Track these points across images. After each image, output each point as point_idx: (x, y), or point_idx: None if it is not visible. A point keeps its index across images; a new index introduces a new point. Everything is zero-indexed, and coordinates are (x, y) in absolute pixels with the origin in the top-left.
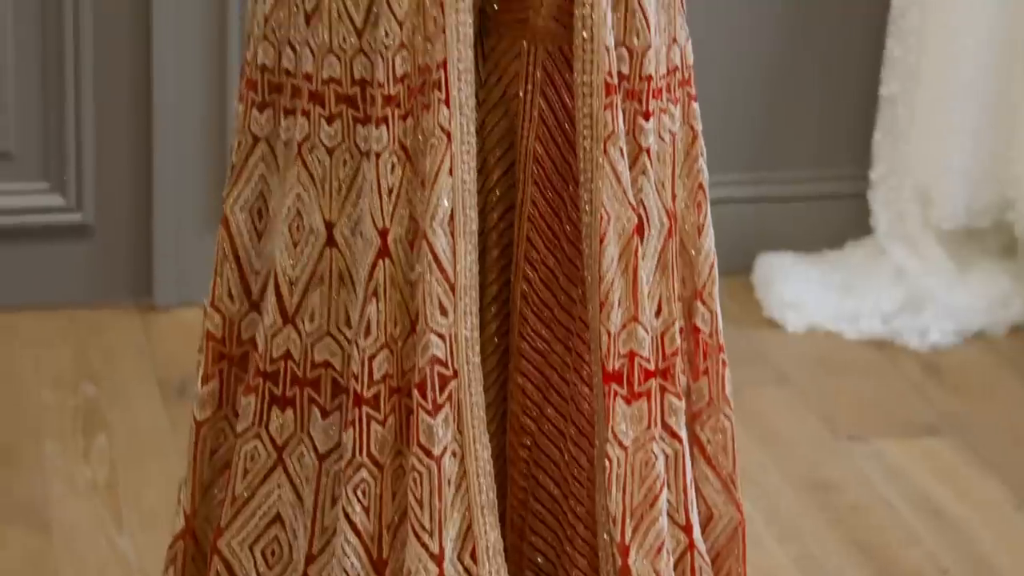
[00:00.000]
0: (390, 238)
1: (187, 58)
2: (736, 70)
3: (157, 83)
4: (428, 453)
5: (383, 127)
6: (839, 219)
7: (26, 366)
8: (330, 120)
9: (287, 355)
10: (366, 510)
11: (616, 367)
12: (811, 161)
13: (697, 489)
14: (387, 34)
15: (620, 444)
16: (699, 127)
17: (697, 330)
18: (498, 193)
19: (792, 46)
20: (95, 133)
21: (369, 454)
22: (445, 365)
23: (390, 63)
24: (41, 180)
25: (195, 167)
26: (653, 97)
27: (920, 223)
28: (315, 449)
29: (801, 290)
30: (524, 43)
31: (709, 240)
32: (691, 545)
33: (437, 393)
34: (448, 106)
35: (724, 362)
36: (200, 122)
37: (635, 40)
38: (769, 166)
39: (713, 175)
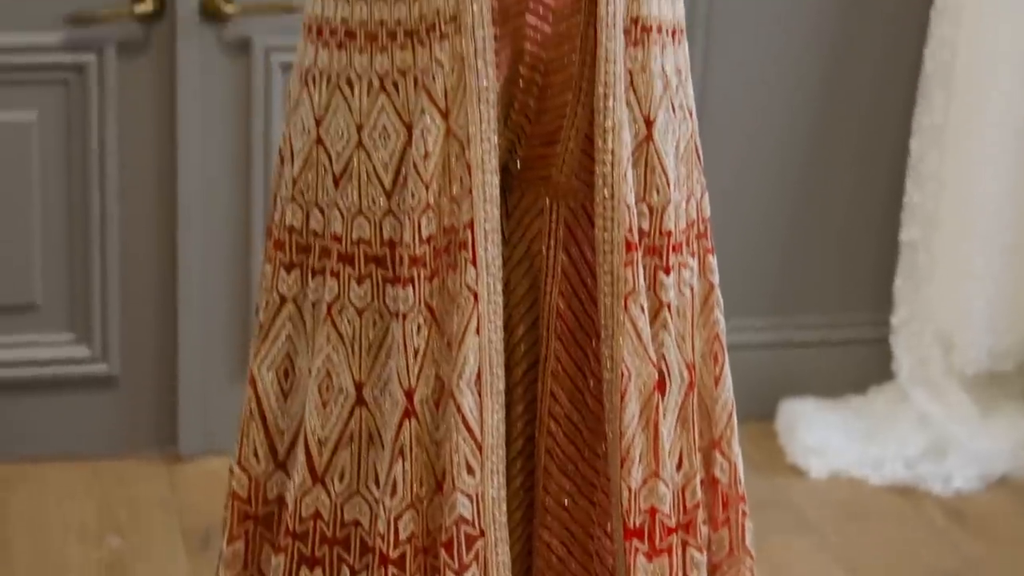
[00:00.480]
0: (416, 398)
1: (212, 211)
2: (757, 216)
3: (182, 235)
4: None
5: (409, 288)
6: (861, 364)
7: (51, 518)
8: (360, 281)
9: (316, 515)
10: None
11: (637, 523)
12: (833, 306)
13: None
14: (413, 195)
15: None
16: (715, 279)
17: (716, 480)
18: (522, 349)
19: (812, 192)
20: (120, 284)
21: None
22: (472, 525)
23: (416, 224)
24: (67, 331)
25: (219, 317)
26: (673, 252)
27: (942, 368)
28: None
29: (824, 436)
30: (546, 200)
31: (727, 391)
32: None
33: (464, 553)
34: (475, 266)
35: (744, 512)
36: (224, 273)
37: (655, 196)
38: (791, 311)
39: (735, 321)
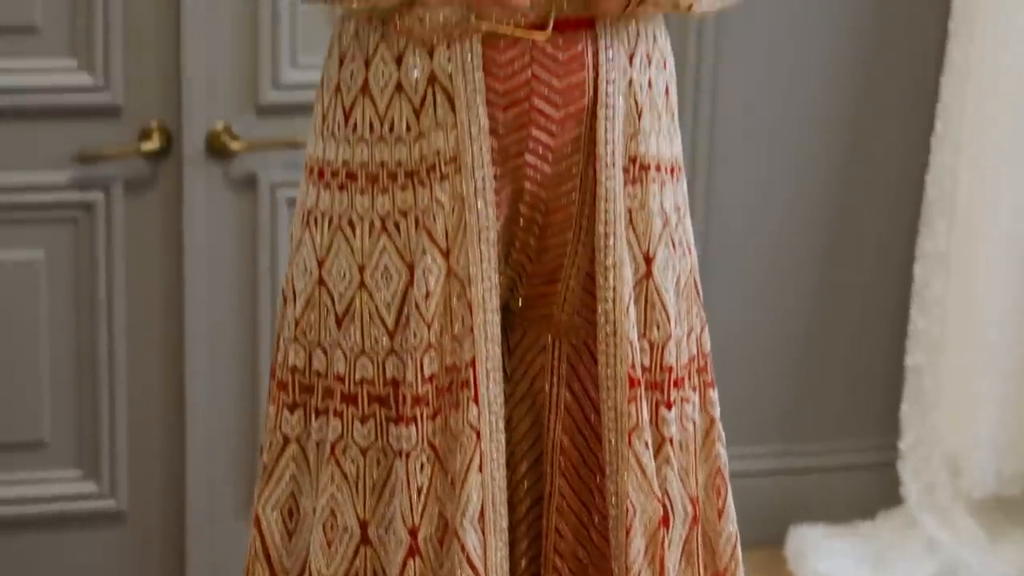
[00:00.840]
0: (420, 537)
1: (219, 347)
2: (764, 343)
3: (189, 372)
4: None
5: (412, 427)
6: (869, 490)
7: None
8: (364, 420)
9: None
10: None
11: None
12: (839, 432)
13: None
14: (415, 335)
15: None
16: (716, 413)
17: None
18: (526, 485)
19: (818, 319)
20: (128, 421)
21: None
22: None
23: (418, 363)
24: (74, 468)
25: (226, 454)
26: (674, 387)
27: (950, 493)
28: None
29: (834, 563)
30: (548, 338)
31: (730, 523)
32: None
33: None
34: (477, 404)
35: None
36: (231, 409)
37: (656, 332)
38: (798, 438)
39: (743, 447)
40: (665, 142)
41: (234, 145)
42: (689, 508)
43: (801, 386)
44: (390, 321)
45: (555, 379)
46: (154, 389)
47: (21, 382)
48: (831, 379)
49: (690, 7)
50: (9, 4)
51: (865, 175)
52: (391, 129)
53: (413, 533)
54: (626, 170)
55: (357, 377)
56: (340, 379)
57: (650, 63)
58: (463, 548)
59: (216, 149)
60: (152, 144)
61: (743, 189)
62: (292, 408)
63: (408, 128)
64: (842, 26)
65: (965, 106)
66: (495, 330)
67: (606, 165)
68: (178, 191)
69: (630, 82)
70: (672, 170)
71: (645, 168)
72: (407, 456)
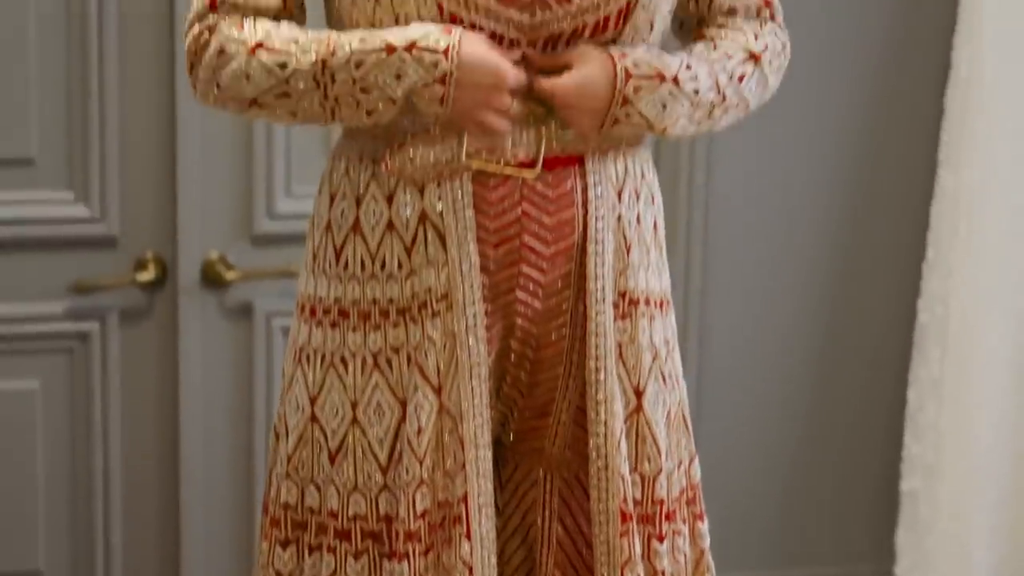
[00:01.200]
0: None
1: (215, 477)
2: (757, 469)
3: (185, 501)
4: None
5: (405, 563)
6: None
7: None
8: (357, 556)
9: None
10: None
11: None
12: (834, 557)
13: None
14: (407, 471)
15: None
16: (705, 544)
17: None
18: None
19: (812, 445)
20: (123, 549)
21: None
22: None
23: (411, 500)
24: None
25: None
26: (666, 520)
27: None
28: None
29: None
30: (540, 471)
31: None
32: None
33: None
34: (470, 540)
35: None
36: (228, 540)
37: (647, 466)
38: (793, 563)
39: (736, 572)
40: (654, 276)
41: (229, 275)
42: None
43: (796, 511)
44: (383, 457)
45: (547, 513)
46: (149, 519)
47: (17, 511)
48: (826, 504)
49: (664, 131)
50: (6, 137)
51: (858, 301)
52: (383, 267)
53: None
54: (616, 305)
55: (350, 513)
56: (333, 515)
57: (638, 199)
58: None
59: (211, 279)
60: (147, 274)
61: (737, 322)
62: (285, 544)
63: (399, 266)
64: (833, 153)
65: (956, 233)
66: (487, 465)
67: (596, 300)
68: (173, 321)
69: (619, 218)
70: (661, 304)
71: (635, 303)
72: None
